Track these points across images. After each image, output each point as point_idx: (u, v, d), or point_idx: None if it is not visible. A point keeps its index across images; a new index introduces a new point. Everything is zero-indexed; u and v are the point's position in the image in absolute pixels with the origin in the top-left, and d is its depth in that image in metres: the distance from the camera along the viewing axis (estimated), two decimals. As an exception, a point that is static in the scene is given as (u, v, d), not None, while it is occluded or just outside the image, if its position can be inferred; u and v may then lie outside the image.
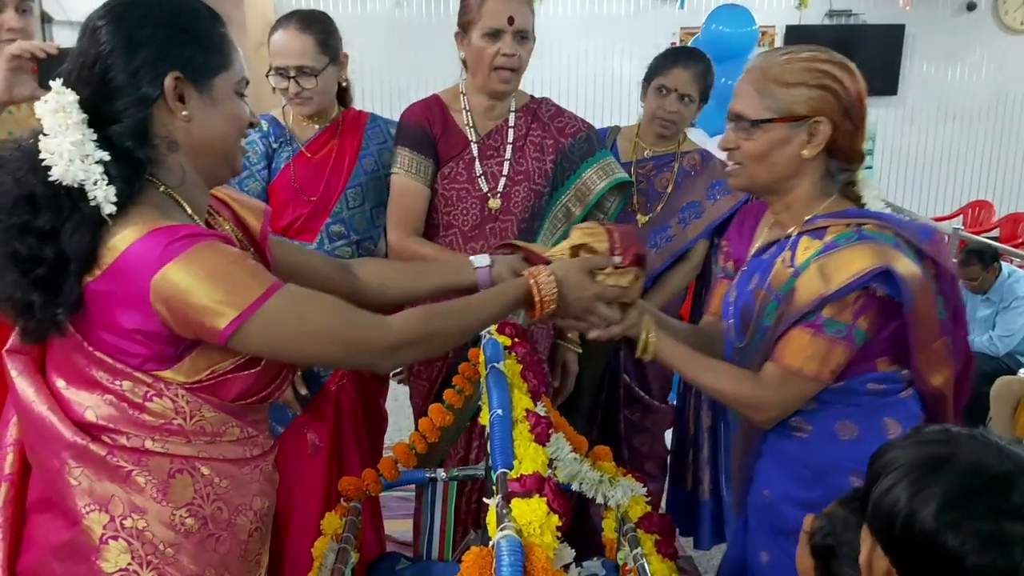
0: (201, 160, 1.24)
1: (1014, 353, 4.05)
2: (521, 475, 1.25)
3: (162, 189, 1.20)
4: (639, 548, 1.72)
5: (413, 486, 2.17)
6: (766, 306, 1.51)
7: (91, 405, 1.19)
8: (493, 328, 1.93)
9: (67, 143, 1.10)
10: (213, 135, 1.24)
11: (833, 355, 1.42)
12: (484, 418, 1.51)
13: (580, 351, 2.43)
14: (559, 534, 1.17)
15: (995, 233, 6.13)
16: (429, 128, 2.21)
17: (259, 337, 1.16)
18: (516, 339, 1.85)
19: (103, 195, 1.11)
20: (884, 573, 0.97)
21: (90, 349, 1.17)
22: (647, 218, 2.55)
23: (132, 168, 1.15)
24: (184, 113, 1.19)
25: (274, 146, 2.28)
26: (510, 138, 2.25)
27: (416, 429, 1.97)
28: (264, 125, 2.26)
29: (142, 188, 1.17)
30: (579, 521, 2.56)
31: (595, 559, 1.92)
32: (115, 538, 1.18)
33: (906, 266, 1.38)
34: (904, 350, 1.46)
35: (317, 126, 2.31)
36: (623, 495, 1.87)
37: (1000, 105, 8.34)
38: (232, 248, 1.18)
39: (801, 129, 1.43)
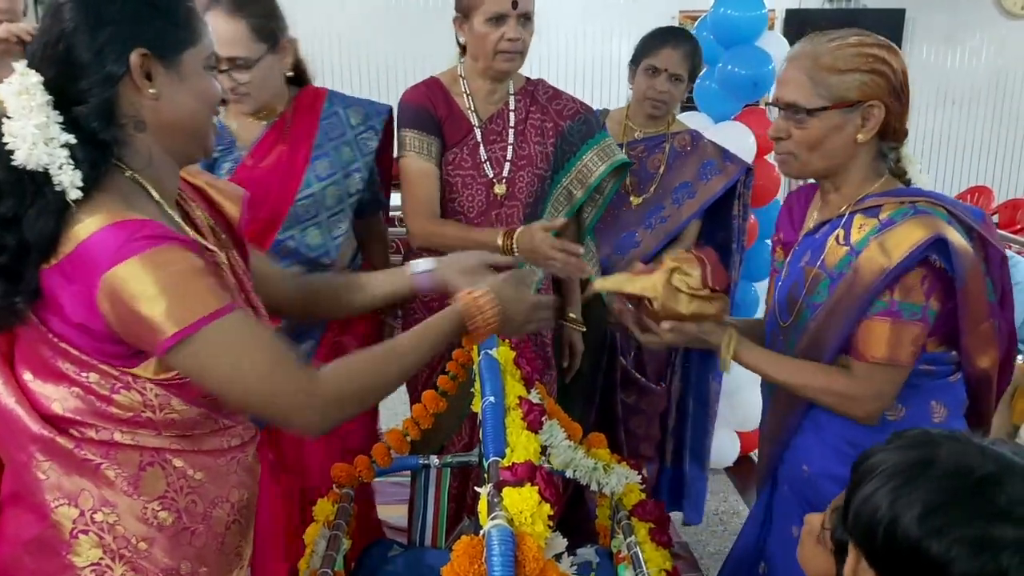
0: (170, 140, 1.19)
1: (1012, 339, 4.03)
2: (513, 463, 1.24)
3: (128, 174, 1.16)
4: (633, 536, 1.71)
5: (408, 472, 2.15)
6: (817, 283, 1.51)
7: (58, 398, 1.15)
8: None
9: (31, 126, 1.06)
10: (182, 113, 1.19)
11: (912, 338, 1.42)
12: (476, 405, 1.49)
13: (584, 330, 2.43)
14: (551, 523, 1.16)
15: (994, 219, 6.11)
16: (433, 110, 2.18)
17: (192, 359, 1.10)
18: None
19: (68, 180, 1.06)
20: None
21: (55, 340, 1.14)
22: (641, 199, 2.54)
23: (99, 151, 1.11)
24: (151, 91, 1.15)
25: (215, 153, 1.96)
26: (511, 122, 2.22)
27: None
28: None
29: (108, 172, 1.12)
30: (574, 507, 2.56)
31: (589, 546, 1.91)
32: (85, 532, 1.16)
33: (958, 239, 1.39)
34: (953, 331, 1.46)
35: (264, 123, 2.03)
36: (617, 482, 1.86)
37: (1000, 90, 8.31)
38: (193, 257, 1.12)
39: (854, 114, 1.44)
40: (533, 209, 2.24)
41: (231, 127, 2.03)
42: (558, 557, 1.18)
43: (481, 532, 1.09)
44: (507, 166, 2.21)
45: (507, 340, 1.73)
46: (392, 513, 2.81)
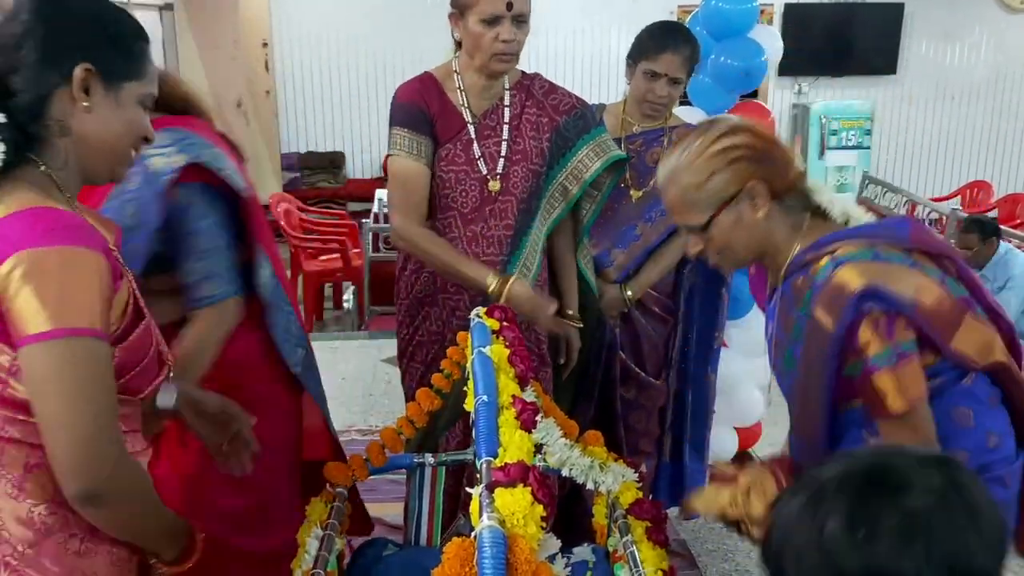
0: (87, 153, 1.23)
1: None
2: (505, 464, 1.22)
3: (42, 168, 1.19)
4: (629, 535, 1.70)
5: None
6: (783, 352, 1.51)
7: None
8: (481, 311, 1.90)
9: None
10: (107, 133, 1.24)
11: (913, 373, 1.35)
12: (469, 404, 1.48)
13: (581, 326, 2.40)
14: (544, 524, 1.14)
15: (993, 214, 6.09)
16: (426, 107, 2.16)
17: (41, 365, 1.09)
18: (504, 323, 1.82)
19: None
20: None
21: None
22: (641, 193, 2.53)
23: (21, 136, 1.16)
24: (86, 104, 1.20)
25: None
26: (506, 117, 2.21)
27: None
28: None
29: (24, 163, 1.16)
30: (571, 504, 2.54)
31: (585, 545, 1.89)
32: None
33: (891, 275, 1.35)
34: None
35: None
36: (614, 481, 1.85)
37: (999, 85, 8.30)
38: (103, 267, 1.13)
39: (742, 202, 1.45)
40: (528, 204, 2.22)
41: None
42: (552, 558, 1.16)
43: (472, 534, 1.07)
44: (501, 162, 2.19)
45: (501, 338, 1.71)
46: (389, 511, 2.81)
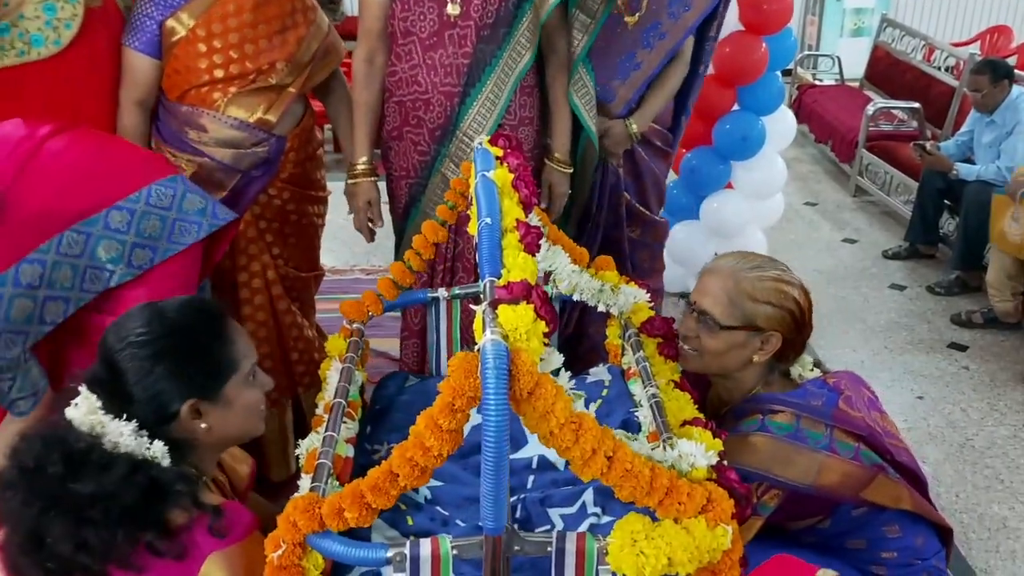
0: (222, 444, 1.43)
1: (1020, 182, 3.99)
2: (509, 282, 1.22)
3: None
4: (641, 351, 1.73)
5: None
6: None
7: None
8: (485, 139, 1.86)
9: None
10: (232, 431, 1.39)
11: (748, 526, 1.49)
12: (472, 228, 1.46)
13: (569, 170, 2.34)
14: (547, 340, 1.15)
15: (1012, 60, 5.77)
16: None
17: None
18: (508, 150, 1.78)
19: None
20: None
21: None
22: (636, 18, 2.37)
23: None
24: (203, 426, 1.34)
25: None
26: None
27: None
28: None
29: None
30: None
31: (601, 365, 1.93)
32: None
33: (782, 461, 1.51)
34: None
35: None
36: (625, 302, 1.86)
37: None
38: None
39: (756, 338, 1.61)
40: (492, 32, 2.10)
41: None
42: (556, 373, 1.17)
43: (476, 348, 1.08)
44: None
45: (505, 164, 1.68)
46: (393, 346, 2.83)
